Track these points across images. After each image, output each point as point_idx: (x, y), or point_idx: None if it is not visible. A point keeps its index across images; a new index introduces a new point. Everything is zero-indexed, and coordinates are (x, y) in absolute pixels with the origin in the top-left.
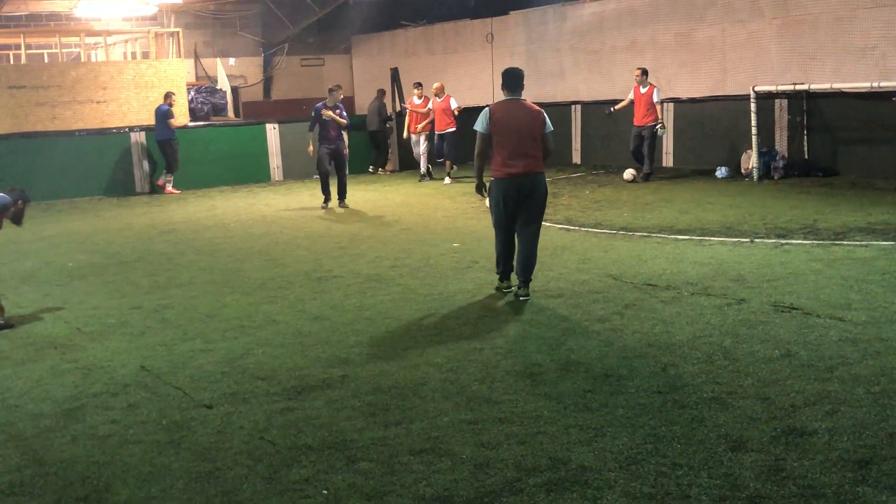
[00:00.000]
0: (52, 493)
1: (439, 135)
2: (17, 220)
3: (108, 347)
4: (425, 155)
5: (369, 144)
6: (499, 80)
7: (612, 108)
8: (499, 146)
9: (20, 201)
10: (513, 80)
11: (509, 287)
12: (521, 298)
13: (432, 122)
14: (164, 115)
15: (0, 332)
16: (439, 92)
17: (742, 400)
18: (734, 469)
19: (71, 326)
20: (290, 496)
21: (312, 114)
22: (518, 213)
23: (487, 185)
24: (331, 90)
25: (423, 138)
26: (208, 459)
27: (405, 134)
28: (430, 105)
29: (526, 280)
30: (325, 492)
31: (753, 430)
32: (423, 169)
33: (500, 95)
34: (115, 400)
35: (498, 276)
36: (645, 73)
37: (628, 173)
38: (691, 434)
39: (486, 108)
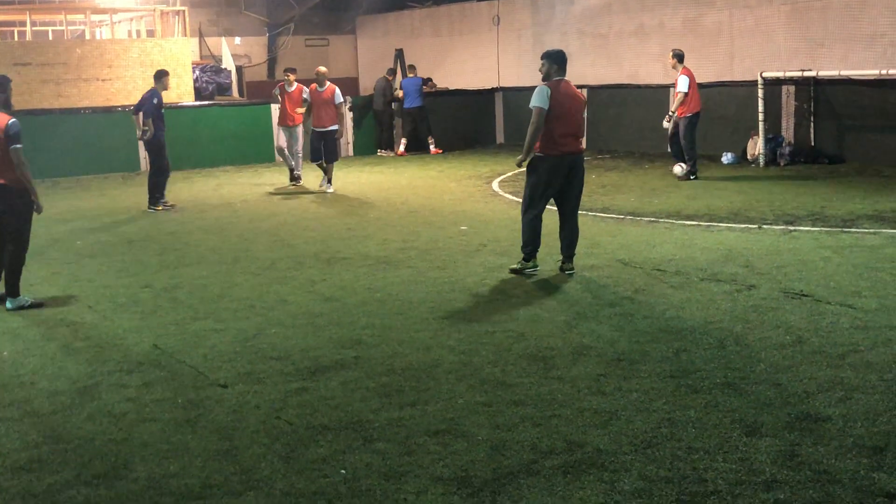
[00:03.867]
0: (71, 469)
1: (319, 132)
2: (7, 105)
3: (120, 326)
4: (297, 152)
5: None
6: (506, 63)
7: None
8: (554, 124)
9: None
10: (563, 60)
11: (536, 267)
12: (569, 273)
13: (309, 115)
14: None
15: (19, 310)
16: (321, 80)
17: (755, 385)
18: (749, 454)
19: (82, 304)
20: (308, 475)
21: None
22: (562, 190)
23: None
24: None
25: (294, 132)
26: (225, 438)
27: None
28: (305, 94)
29: (572, 255)
30: (342, 471)
31: (767, 416)
32: (294, 166)
33: (507, 78)
34: (130, 378)
35: (524, 257)
36: (676, 56)
37: (677, 168)
38: (706, 418)
39: (544, 86)
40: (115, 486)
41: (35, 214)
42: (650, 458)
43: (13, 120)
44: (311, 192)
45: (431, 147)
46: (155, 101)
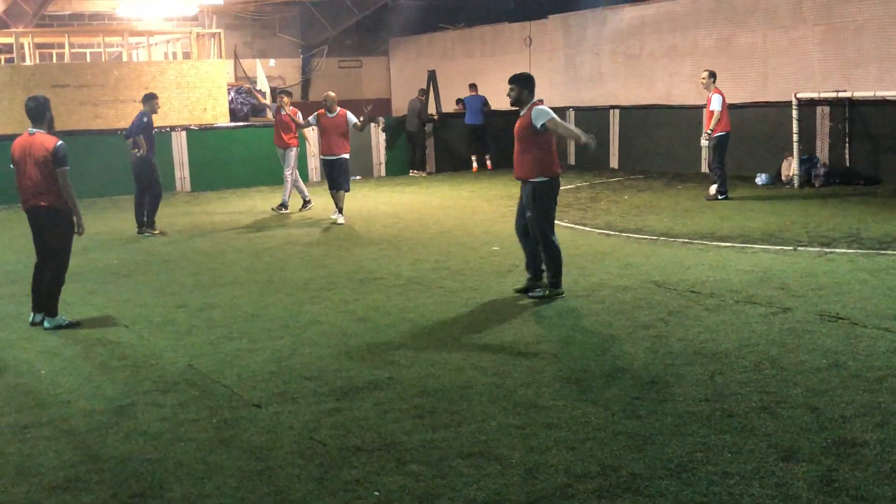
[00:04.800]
0: (108, 488)
1: (329, 160)
2: (51, 126)
3: (156, 345)
4: (285, 177)
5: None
6: (538, 84)
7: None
8: (552, 144)
9: None
10: (534, 84)
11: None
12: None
13: (301, 139)
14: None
15: (56, 330)
16: (330, 105)
17: (791, 410)
18: (786, 479)
19: (118, 324)
20: (341, 497)
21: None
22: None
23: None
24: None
25: (286, 155)
26: (260, 458)
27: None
28: (299, 118)
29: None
30: (376, 493)
31: (804, 441)
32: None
33: (538, 97)
34: (166, 398)
35: (555, 285)
36: (711, 76)
37: (712, 189)
38: (741, 443)
39: (540, 107)
40: None
41: (77, 235)
42: (685, 483)
43: (60, 142)
44: (350, 211)
45: (488, 163)
46: (145, 120)
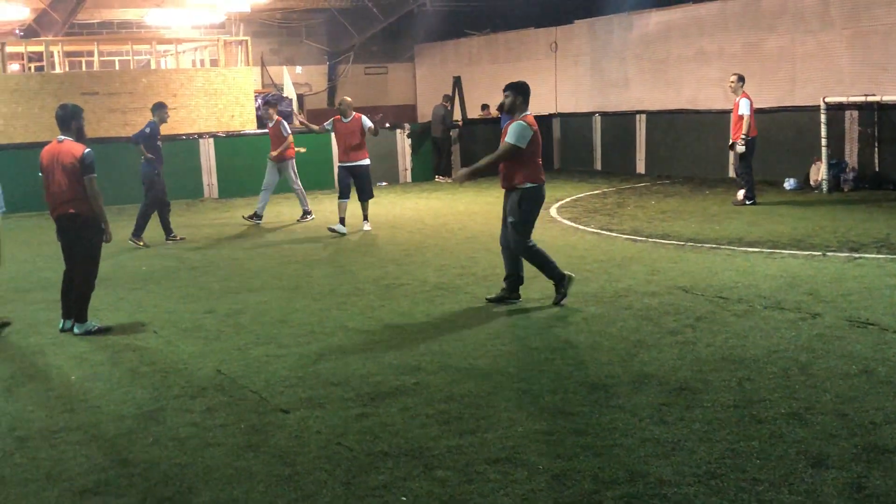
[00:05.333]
0: (137, 493)
1: (347, 167)
2: (81, 135)
3: (185, 351)
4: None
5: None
6: (564, 90)
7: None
8: (535, 155)
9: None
10: (529, 93)
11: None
12: (519, 301)
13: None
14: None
15: (86, 335)
16: (345, 110)
17: (821, 416)
18: (816, 486)
19: (147, 330)
20: (369, 502)
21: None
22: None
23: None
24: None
25: (272, 166)
26: (287, 463)
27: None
28: (286, 131)
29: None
30: (403, 498)
31: (834, 447)
32: (261, 207)
33: (564, 104)
34: (194, 403)
35: (557, 280)
36: (740, 80)
37: (740, 194)
38: (770, 450)
39: (524, 122)
40: None
41: (105, 243)
42: (714, 490)
43: (88, 150)
44: (377, 217)
45: None
46: (147, 130)
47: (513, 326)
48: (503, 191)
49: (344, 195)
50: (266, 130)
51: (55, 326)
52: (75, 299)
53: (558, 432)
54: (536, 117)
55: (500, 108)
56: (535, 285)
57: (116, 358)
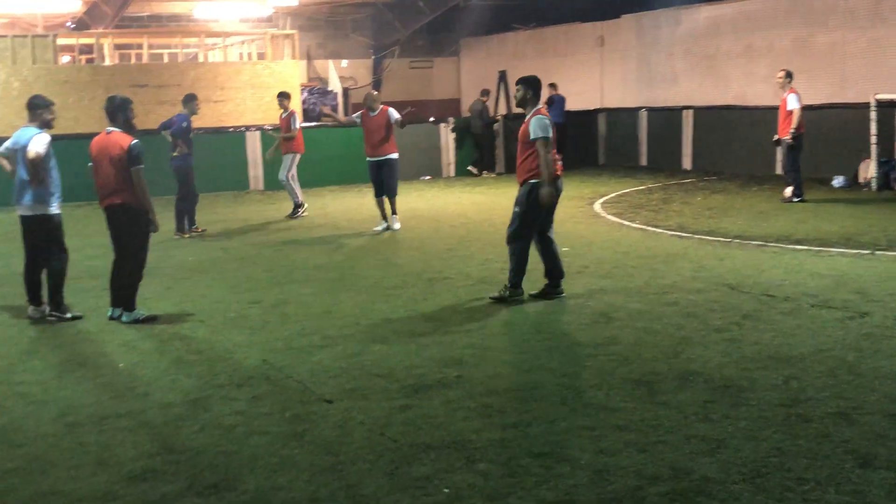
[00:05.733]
0: (184, 479)
1: (374, 162)
2: (130, 126)
3: (231, 340)
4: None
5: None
6: (610, 85)
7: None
8: (552, 150)
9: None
10: (540, 87)
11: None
12: (563, 295)
13: (291, 141)
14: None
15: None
16: (372, 104)
17: (868, 416)
18: (863, 486)
19: (194, 319)
20: (411, 493)
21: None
22: (550, 213)
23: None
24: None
25: (283, 159)
26: (331, 453)
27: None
28: (295, 125)
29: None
30: (446, 490)
31: (882, 448)
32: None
33: (611, 99)
34: (240, 391)
35: (515, 285)
36: (788, 75)
37: (787, 191)
38: (817, 449)
39: (541, 115)
40: (225, 498)
41: (152, 233)
42: (759, 488)
43: (136, 141)
44: (419, 210)
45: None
46: (184, 124)
47: (556, 322)
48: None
49: (379, 192)
50: (314, 123)
51: (104, 314)
52: (123, 288)
53: (601, 428)
54: (581, 112)
55: (549, 102)
56: (580, 281)
57: (163, 346)
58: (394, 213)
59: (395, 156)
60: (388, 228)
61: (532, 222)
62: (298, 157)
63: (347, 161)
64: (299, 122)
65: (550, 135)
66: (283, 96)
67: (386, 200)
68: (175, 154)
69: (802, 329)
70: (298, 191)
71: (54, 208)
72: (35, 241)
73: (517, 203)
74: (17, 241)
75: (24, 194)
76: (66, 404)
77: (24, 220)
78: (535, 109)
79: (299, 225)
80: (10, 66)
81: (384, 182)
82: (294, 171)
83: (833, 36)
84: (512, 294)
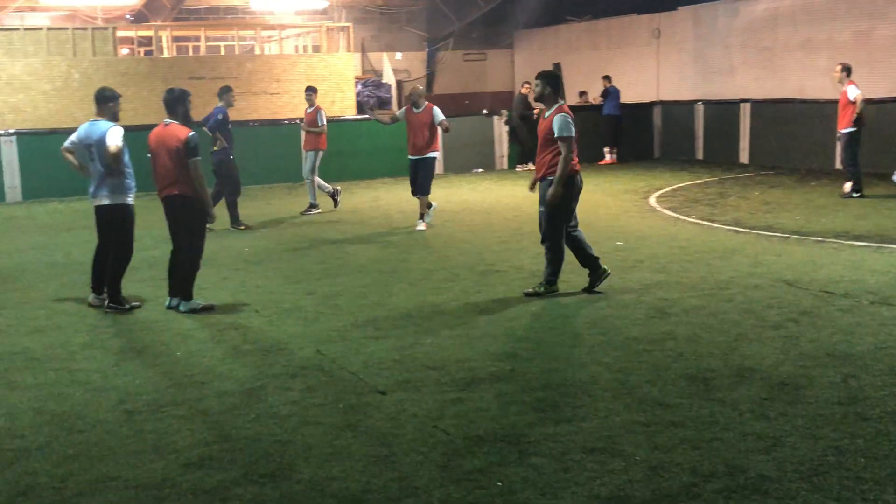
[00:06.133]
0: (240, 468)
1: (414, 160)
2: (187, 119)
3: (285, 331)
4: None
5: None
6: (666, 77)
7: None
8: (575, 145)
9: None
10: (560, 83)
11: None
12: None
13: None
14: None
15: (191, 313)
16: (417, 100)
17: None
18: None
19: (249, 309)
20: (464, 486)
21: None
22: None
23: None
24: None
25: (307, 155)
26: (384, 444)
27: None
28: (321, 121)
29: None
30: (499, 483)
31: None
32: (328, 189)
33: (666, 91)
34: (294, 381)
35: (550, 282)
36: (845, 70)
37: (847, 186)
38: (876, 448)
39: (563, 113)
40: (280, 486)
41: (209, 224)
42: (816, 487)
43: (192, 133)
44: (472, 203)
45: (607, 156)
46: (220, 116)
47: (609, 316)
48: (615, 176)
49: (416, 191)
50: (366, 116)
51: (162, 304)
52: (181, 278)
53: (656, 424)
54: (637, 105)
55: (604, 94)
56: (634, 275)
57: (220, 336)
58: (421, 216)
59: (433, 154)
60: (424, 225)
61: (560, 220)
62: (321, 153)
63: (401, 153)
64: (325, 118)
65: (574, 134)
66: (311, 91)
67: (419, 197)
68: (215, 148)
69: (861, 326)
70: (324, 185)
71: (130, 199)
72: (109, 232)
73: (542, 202)
74: (77, 230)
75: (103, 186)
76: (125, 392)
77: (101, 210)
78: (557, 106)
79: (351, 217)
80: (71, 58)
81: (417, 182)
82: (317, 168)
83: (894, 28)
84: (547, 290)
